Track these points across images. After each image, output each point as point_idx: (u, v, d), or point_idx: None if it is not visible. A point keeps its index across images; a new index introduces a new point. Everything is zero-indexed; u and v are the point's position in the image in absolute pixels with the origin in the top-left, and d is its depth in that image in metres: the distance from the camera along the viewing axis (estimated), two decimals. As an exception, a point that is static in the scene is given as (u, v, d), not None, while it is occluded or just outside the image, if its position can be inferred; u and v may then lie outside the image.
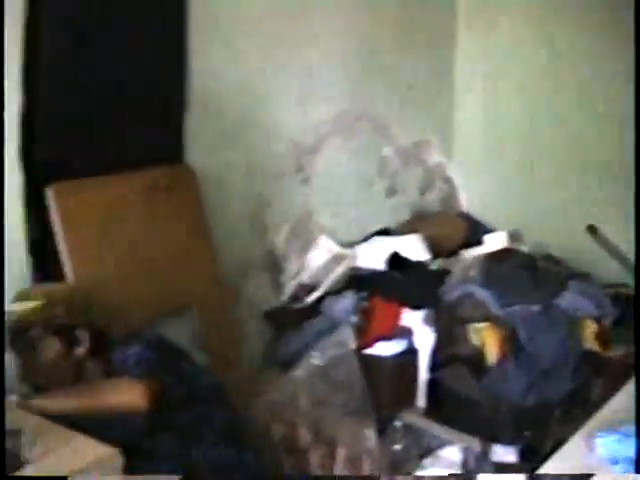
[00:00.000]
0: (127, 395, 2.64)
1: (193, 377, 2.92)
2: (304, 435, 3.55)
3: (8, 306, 2.83)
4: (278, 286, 4.26)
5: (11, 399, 2.68)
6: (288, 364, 3.78)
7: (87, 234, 3.28)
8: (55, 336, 2.79)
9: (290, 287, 4.18)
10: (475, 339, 3.77)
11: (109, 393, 2.69)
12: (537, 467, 2.51)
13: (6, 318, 2.80)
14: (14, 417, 2.42)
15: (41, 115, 3.16)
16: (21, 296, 2.87)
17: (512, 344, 3.70)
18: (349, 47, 4.58)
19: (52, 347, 2.79)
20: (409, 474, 3.71)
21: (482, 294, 3.81)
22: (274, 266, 4.27)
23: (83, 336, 2.84)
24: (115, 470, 2.31)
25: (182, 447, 2.80)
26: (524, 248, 4.48)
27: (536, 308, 3.77)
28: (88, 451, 2.33)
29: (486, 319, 3.78)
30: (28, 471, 2.21)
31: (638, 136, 4.33)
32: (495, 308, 3.78)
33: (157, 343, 2.92)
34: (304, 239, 4.23)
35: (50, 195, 3.19)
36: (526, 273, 3.99)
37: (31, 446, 2.31)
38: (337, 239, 4.37)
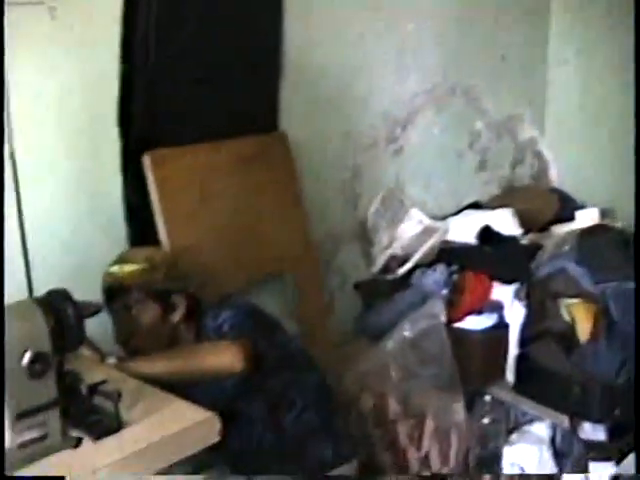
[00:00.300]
0: (224, 357, 2.63)
1: (284, 343, 2.94)
2: (393, 406, 3.55)
3: (109, 267, 2.87)
4: (369, 257, 4.28)
5: (110, 361, 2.73)
6: (378, 335, 3.78)
7: (182, 201, 3.33)
8: (153, 300, 2.83)
9: (381, 258, 4.19)
10: (566, 315, 3.73)
11: (206, 355, 2.70)
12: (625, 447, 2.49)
13: (106, 280, 2.86)
14: (113, 378, 2.45)
15: (139, 84, 3.20)
16: (121, 259, 2.89)
17: (604, 321, 3.65)
18: (444, 19, 4.55)
19: (150, 311, 2.83)
20: (497, 448, 3.71)
21: (575, 270, 3.76)
22: (365, 237, 4.29)
23: (179, 301, 2.88)
24: (212, 434, 2.32)
25: (272, 412, 2.83)
26: (617, 224, 4.42)
27: (630, 285, 3.72)
28: (186, 414, 2.35)
29: (578, 295, 3.74)
30: (125, 432, 2.25)
31: (638, 136, 4.29)
32: (588, 284, 3.74)
33: (249, 309, 2.94)
34: (395, 210, 4.23)
35: (147, 162, 3.23)
36: (620, 250, 3.93)
37: (130, 408, 2.34)
38: (428, 211, 4.36)
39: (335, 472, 2.86)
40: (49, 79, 2.97)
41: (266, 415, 2.82)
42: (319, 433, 2.87)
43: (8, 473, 2.05)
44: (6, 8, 2.64)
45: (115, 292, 2.84)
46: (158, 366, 2.67)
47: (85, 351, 2.70)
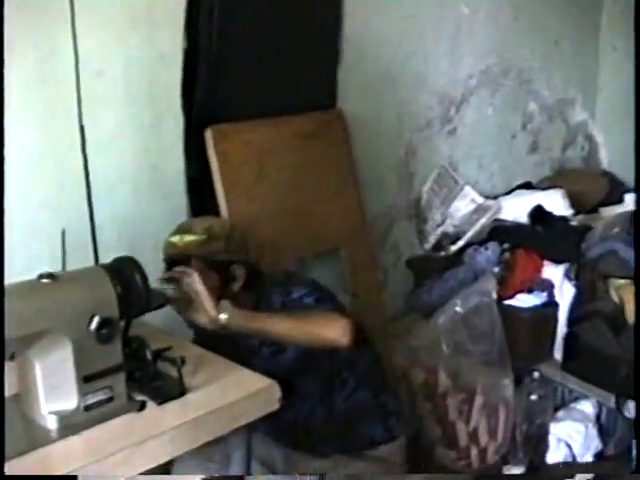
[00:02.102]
0: (335, 329, 2.58)
1: None
2: (443, 381, 3.59)
3: (170, 237, 2.88)
4: (422, 234, 4.32)
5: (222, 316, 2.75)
6: (429, 311, 3.82)
7: (242, 175, 3.38)
8: (213, 270, 2.84)
9: (433, 236, 4.23)
10: (615, 296, 3.75)
11: (317, 323, 2.64)
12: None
13: (167, 249, 2.87)
14: (177, 345, 2.51)
15: (202, 61, 3.25)
16: (181, 229, 2.90)
17: (653, 303, 3.67)
18: (498, 3, 4.57)
19: (210, 281, 2.80)
20: (544, 425, 3.75)
21: (625, 252, 3.78)
22: (418, 214, 4.34)
23: (239, 272, 2.87)
24: (272, 402, 2.36)
25: (325, 389, 2.85)
26: (668, 208, 4.42)
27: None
28: (248, 382, 2.39)
29: (627, 277, 3.75)
30: (188, 397, 2.31)
31: (638, 135, 4.27)
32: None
33: (318, 285, 2.95)
34: (449, 189, 4.27)
35: (208, 137, 3.29)
36: (672, 232, 3.94)
37: (193, 374, 2.40)
38: (480, 191, 4.39)
39: (383, 449, 2.87)
40: (115, 55, 3.03)
41: (319, 392, 2.84)
42: (370, 411, 2.88)
43: (74, 434, 2.10)
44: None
45: (175, 262, 2.82)
46: (269, 325, 2.65)
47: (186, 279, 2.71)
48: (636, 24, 4.13)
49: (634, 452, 3.59)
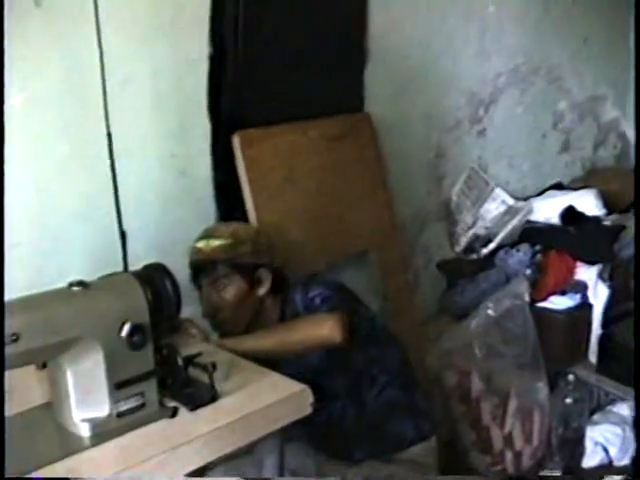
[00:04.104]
0: (324, 328, 2.63)
1: (368, 320, 2.94)
2: (476, 384, 3.57)
3: (196, 242, 2.90)
4: (453, 237, 4.30)
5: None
6: (461, 314, 3.80)
7: (270, 180, 3.37)
8: (239, 275, 2.85)
9: (465, 238, 4.21)
10: (650, 296, 3.73)
11: (306, 327, 2.70)
12: None
13: (193, 255, 2.89)
14: (208, 351, 2.50)
15: (228, 67, 3.24)
16: (207, 234, 2.92)
17: (689, 303, 3.64)
18: (524, 1, 4.56)
19: (236, 285, 2.84)
20: (580, 428, 3.71)
21: (659, 251, 3.75)
22: (449, 217, 4.32)
23: (265, 276, 2.89)
24: (305, 406, 2.35)
25: (354, 388, 2.85)
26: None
27: None
28: (279, 386, 2.38)
29: (662, 277, 3.73)
30: (220, 403, 2.30)
31: (638, 135, 4.23)
32: (673, 266, 3.73)
33: (338, 285, 2.95)
34: (479, 190, 4.24)
35: (236, 142, 3.28)
36: None
37: (224, 380, 2.39)
38: (511, 192, 4.37)
39: (414, 449, 2.87)
40: (142, 61, 3.02)
41: (348, 391, 2.84)
42: (400, 410, 2.88)
43: (106, 441, 2.10)
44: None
45: (202, 266, 2.86)
46: (260, 343, 2.70)
47: (191, 330, 2.76)
48: (636, 24, 4.11)
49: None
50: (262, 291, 2.89)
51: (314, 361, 2.80)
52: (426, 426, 2.92)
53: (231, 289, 2.86)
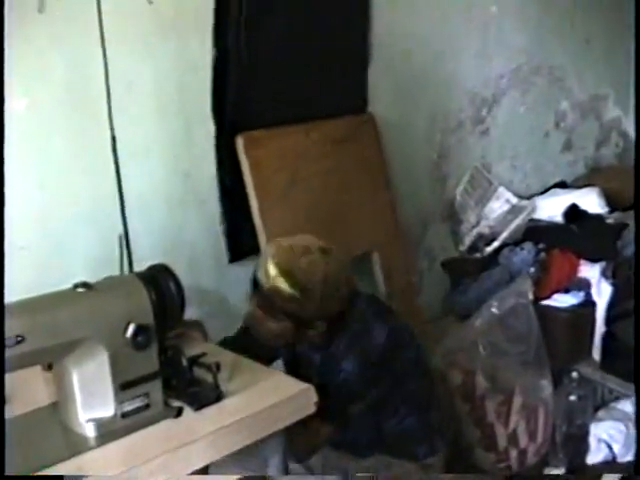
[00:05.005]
0: None
1: (414, 359, 2.90)
2: (481, 383, 3.57)
3: (267, 260, 2.73)
4: (457, 236, 4.31)
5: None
6: (465, 313, 3.81)
7: (274, 181, 3.38)
8: (293, 322, 2.72)
9: (468, 237, 4.22)
10: (653, 293, 3.73)
11: None
12: None
13: (258, 271, 2.74)
14: (212, 352, 2.51)
15: (231, 69, 3.26)
16: (281, 262, 2.71)
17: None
18: (526, 1, 4.57)
19: (282, 326, 2.72)
20: (584, 425, 3.72)
21: (663, 248, 3.76)
22: (453, 216, 4.33)
23: (321, 326, 2.76)
24: (309, 405, 2.36)
25: (374, 415, 2.83)
26: None
27: None
28: (283, 386, 2.40)
29: (666, 274, 3.73)
30: (225, 403, 2.32)
31: (638, 135, 4.23)
32: (676, 263, 3.73)
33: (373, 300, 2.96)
34: (483, 190, 4.26)
35: (240, 144, 3.30)
36: None
37: (229, 380, 2.40)
38: (514, 191, 4.39)
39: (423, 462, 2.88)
40: (145, 65, 3.04)
41: (368, 419, 2.82)
42: (416, 434, 2.87)
43: (111, 441, 2.11)
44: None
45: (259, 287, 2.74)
46: None
47: (193, 332, 2.75)
48: (636, 24, 4.12)
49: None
50: (312, 334, 2.78)
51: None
52: (439, 443, 2.93)
53: (278, 327, 2.74)
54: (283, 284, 2.66)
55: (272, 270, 2.67)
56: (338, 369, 2.72)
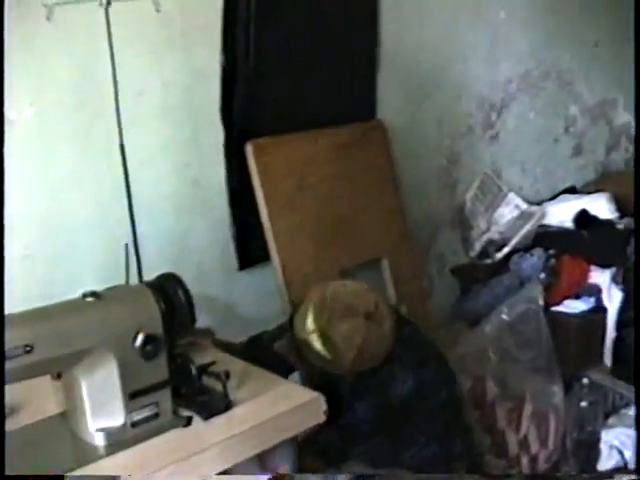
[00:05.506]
0: None
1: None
2: (491, 389, 3.56)
3: (308, 312, 2.80)
4: (467, 242, 4.30)
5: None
6: (475, 319, 3.80)
7: (283, 187, 3.38)
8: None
9: (479, 243, 4.21)
10: (664, 299, 3.72)
11: None
12: None
13: (298, 323, 2.80)
14: (221, 360, 2.51)
15: (240, 75, 3.26)
16: (321, 321, 2.77)
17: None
18: (534, 5, 4.56)
19: None
20: (595, 431, 3.71)
21: (672, 254, 3.75)
22: (463, 222, 4.32)
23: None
24: (318, 415, 2.37)
25: (393, 447, 2.85)
26: None
27: None
28: (293, 395, 2.40)
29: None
30: (234, 412, 2.31)
31: (638, 134, 4.22)
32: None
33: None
34: (492, 195, 4.25)
35: (249, 151, 3.29)
36: None
37: (238, 389, 2.40)
38: (524, 196, 4.37)
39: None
40: (153, 72, 3.04)
41: (386, 451, 2.83)
42: (437, 463, 2.88)
43: (121, 450, 2.12)
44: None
45: (293, 338, 2.78)
46: None
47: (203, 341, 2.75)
48: (636, 24, 4.11)
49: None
50: None
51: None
52: (457, 466, 2.93)
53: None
54: (317, 342, 2.70)
55: (310, 325, 2.72)
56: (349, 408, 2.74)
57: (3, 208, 2.29)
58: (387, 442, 2.82)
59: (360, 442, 2.78)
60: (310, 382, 2.60)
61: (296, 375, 2.86)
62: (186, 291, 2.29)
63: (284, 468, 2.41)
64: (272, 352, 2.83)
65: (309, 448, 2.67)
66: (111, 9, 2.73)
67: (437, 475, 2.95)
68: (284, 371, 2.62)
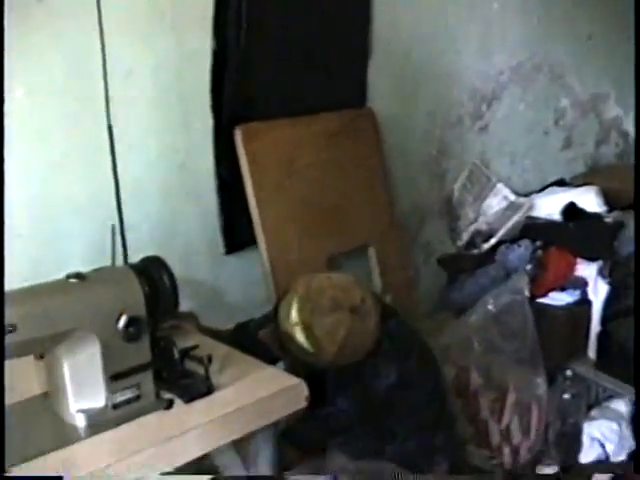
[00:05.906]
0: None
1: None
2: (475, 379, 3.57)
3: (292, 304, 2.78)
4: (454, 232, 4.31)
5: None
6: (461, 309, 3.80)
7: (271, 173, 3.37)
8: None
9: (466, 233, 4.21)
10: (649, 293, 3.73)
11: None
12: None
13: (281, 313, 2.80)
14: (204, 344, 2.52)
15: (231, 61, 3.25)
16: (305, 312, 2.75)
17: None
18: (527, -3, 4.58)
19: None
20: (577, 423, 3.72)
21: (659, 248, 3.76)
22: (450, 212, 4.33)
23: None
24: (299, 400, 2.37)
25: (378, 440, 2.86)
26: None
27: None
28: (275, 380, 2.41)
29: (662, 273, 3.73)
30: (216, 396, 2.32)
31: (638, 134, 4.23)
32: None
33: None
34: (481, 186, 4.25)
35: (238, 136, 3.29)
36: None
37: (220, 373, 2.41)
38: (513, 188, 4.37)
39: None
40: (143, 54, 3.03)
41: (370, 445, 2.84)
42: (418, 457, 2.89)
43: (102, 431, 2.13)
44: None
45: (277, 328, 2.78)
46: None
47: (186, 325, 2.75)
48: (636, 24, 4.11)
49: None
50: None
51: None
52: (442, 462, 2.95)
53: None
54: (300, 335, 2.70)
55: (294, 317, 2.72)
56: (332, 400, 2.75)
57: (3, 208, 2.30)
58: (369, 434, 2.82)
59: (342, 433, 2.79)
60: (293, 373, 2.58)
61: (281, 365, 2.85)
62: (170, 274, 2.29)
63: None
64: (258, 341, 2.83)
65: (290, 438, 2.68)
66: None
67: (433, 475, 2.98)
68: (269, 360, 2.61)
